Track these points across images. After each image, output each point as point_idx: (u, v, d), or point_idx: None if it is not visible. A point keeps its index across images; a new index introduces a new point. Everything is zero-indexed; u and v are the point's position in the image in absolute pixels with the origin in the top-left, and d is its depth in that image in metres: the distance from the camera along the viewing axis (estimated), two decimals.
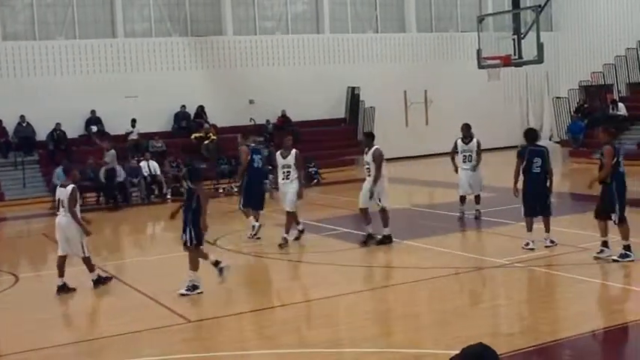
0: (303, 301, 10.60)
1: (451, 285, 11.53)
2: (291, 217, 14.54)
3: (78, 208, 11.81)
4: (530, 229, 12.98)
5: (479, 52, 24.23)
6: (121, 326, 9.99)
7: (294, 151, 14.53)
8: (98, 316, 10.81)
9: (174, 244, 16.68)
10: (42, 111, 26.22)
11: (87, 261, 11.94)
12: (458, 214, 16.59)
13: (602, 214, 12.06)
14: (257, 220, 15.61)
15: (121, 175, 23.55)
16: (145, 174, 24.30)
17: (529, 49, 22.90)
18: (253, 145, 16.43)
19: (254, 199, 15.75)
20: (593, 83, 32.83)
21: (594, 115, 30.60)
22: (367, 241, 14.15)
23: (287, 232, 14.47)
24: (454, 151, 16.79)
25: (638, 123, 28.85)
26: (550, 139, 35.39)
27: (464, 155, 16.60)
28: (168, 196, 24.05)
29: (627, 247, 11.78)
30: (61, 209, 11.78)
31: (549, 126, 35.63)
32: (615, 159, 11.84)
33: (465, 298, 10.97)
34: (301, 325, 9.61)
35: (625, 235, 11.84)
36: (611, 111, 29.56)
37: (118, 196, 23.11)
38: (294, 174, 14.35)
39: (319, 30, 32.63)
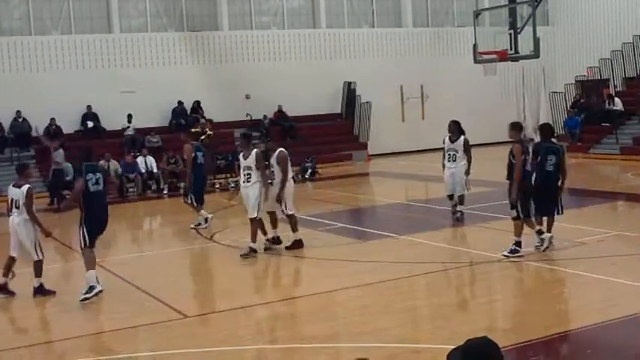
0: (300, 296, 10.61)
1: (447, 280, 11.55)
2: (255, 225, 13.43)
3: (34, 208, 11.27)
4: (549, 229, 12.47)
5: (475, 46, 24.25)
6: (118, 321, 9.99)
7: (254, 151, 13.43)
8: (95, 311, 10.80)
9: (171, 240, 16.73)
10: (38, 106, 26.16)
11: (37, 264, 11.31)
12: (450, 209, 16.20)
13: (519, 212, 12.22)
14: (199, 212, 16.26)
15: (118, 170, 23.56)
16: (142, 170, 24.30)
17: (525, 44, 22.91)
18: (196, 142, 16.54)
19: (202, 194, 16.40)
20: (590, 78, 32.86)
21: (591, 110, 30.65)
22: (269, 247, 13.63)
23: (253, 240, 13.40)
24: (445, 152, 16.05)
25: (634, 118, 28.88)
26: None
27: (449, 154, 15.81)
28: (165, 192, 24.04)
29: (518, 244, 12.02)
30: (14, 210, 11.18)
31: (545, 121, 35.63)
32: (523, 156, 12.01)
33: (461, 293, 10.99)
34: (298, 319, 9.63)
35: (518, 232, 12.06)
36: (607, 106, 29.58)
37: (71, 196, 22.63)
38: (254, 176, 13.30)
39: (315, 25, 32.59)
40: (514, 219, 12.13)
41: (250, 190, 13.34)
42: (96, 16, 28.88)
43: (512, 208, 12.15)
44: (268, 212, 13.71)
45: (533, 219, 12.29)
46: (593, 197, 18.12)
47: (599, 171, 24.35)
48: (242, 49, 30.73)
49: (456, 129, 15.90)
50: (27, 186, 11.22)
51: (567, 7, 36.25)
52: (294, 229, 13.74)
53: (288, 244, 13.69)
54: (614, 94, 30.18)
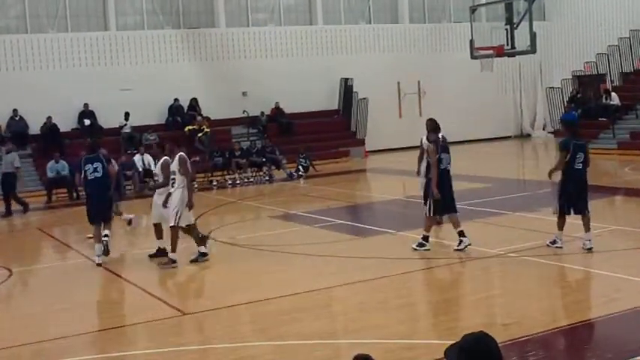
0: (298, 293, 10.60)
1: (444, 275, 11.55)
2: (175, 232, 12.80)
3: None
4: (562, 227, 12.05)
5: (472, 42, 24.25)
6: (115, 319, 9.99)
7: (178, 155, 12.78)
8: (92, 309, 10.80)
9: (168, 237, 16.70)
10: (34, 105, 26.13)
11: None
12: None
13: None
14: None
15: (114, 167, 23.45)
16: (140, 168, 24.23)
17: (522, 40, 22.93)
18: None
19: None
20: (587, 73, 32.87)
21: (588, 105, 30.67)
22: (156, 255, 13.04)
23: (173, 249, 12.78)
24: (421, 152, 14.40)
25: (631, 112, 28.90)
26: (543, 129, 35.50)
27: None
28: None
29: (425, 238, 12.60)
30: None
31: (542, 116, 35.69)
32: (437, 155, 12.44)
33: (459, 289, 10.98)
34: (295, 316, 9.62)
35: (427, 227, 12.65)
36: (604, 101, 29.61)
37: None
38: (179, 181, 12.63)
39: (312, 21, 32.57)
40: (428, 215, 12.64)
41: (172, 196, 12.63)
42: (92, 14, 28.84)
43: (425, 204, 12.64)
44: (155, 224, 13.14)
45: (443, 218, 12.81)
46: (591, 192, 18.05)
47: (597, 166, 24.29)
48: (239, 46, 30.70)
49: (433, 127, 15.51)
50: None
51: (563, 2, 36.25)
52: (198, 243, 12.98)
53: (193, 256, 12.87)
54: (611, 88, 30.19)
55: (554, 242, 12.13)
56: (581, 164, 11.97)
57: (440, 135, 14.87)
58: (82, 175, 13.12)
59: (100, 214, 13.33)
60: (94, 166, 13.04)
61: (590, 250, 11.83)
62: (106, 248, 13.32)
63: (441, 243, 13.52)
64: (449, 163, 12.63)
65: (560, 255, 11.86)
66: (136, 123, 27.51)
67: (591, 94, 32.03)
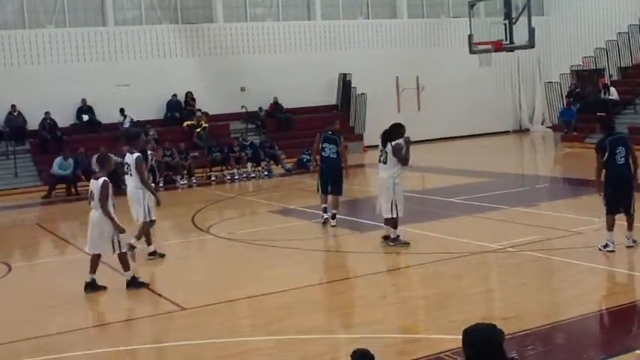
0: (297, 288, 10.61)
1: (445, 270, 11.55)
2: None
3: (110, 203, 10.64)
4: (612, 228, 11.43)
5: (470, 37, 24.22)
6: (115, 314, 9.99)
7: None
8: (92, 304, 10.80)
9: (168, 232, 16.70)
10: (33, 100, 26.06)
11: (121, 258, 10.98)
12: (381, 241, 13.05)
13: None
14: None
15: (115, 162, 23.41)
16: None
17: (520, 34, 22.90)
18: None
19: None
20: (585, 68, 32.83)
21: (586, 100, 30.65)
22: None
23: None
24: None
25: (630, 107, 28.89)
26: (542, 124, 35.51)
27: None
28: (161, 184, 23.97)
29: (324, 210, 14.89)
30: (92, 202, 10.73)
31: (541, 111, 35.69)
32: (319, 144, 15.11)
33: (459, 283, 10.97)
34: (295, 311, 9.63)
35: (334, 205, 14.71)
36: (602, 95, 29.58)
37: None
38: None
39: (310, 16, 32.51)
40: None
41: None
42: (90, 9, 28.76)
43: None
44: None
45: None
46: (590, 187, 18.08)
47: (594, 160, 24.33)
48: (237, 42, 30.65)
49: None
50: (103, 179, 10.63)
51: None
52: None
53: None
54: (609, 83, 30.18)
55: (606, 246, 11.43)
56: (623, 159, 11.34)
57: (333, 130, 15.70)
58: None
59: None
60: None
61: (635, 242, 11.53)
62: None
63: (442, 238, 13.53)
64: (333, 152, 14.77)
65: (559, 249, 11.87)
66: (135, 118, 27.45)
67: (590, 88, 32.00)
